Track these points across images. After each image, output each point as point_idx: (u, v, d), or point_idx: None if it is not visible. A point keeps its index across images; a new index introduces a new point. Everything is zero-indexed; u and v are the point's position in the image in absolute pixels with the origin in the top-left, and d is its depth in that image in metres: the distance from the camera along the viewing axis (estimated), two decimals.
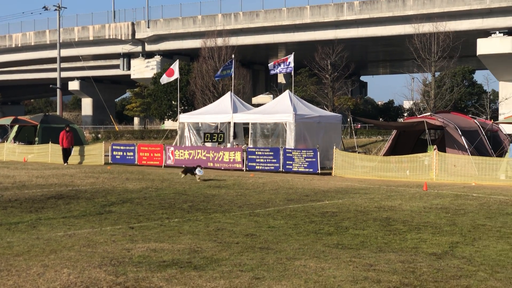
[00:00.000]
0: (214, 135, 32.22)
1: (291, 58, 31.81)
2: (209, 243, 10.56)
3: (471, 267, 8.86)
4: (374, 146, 43.73)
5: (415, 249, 10.20)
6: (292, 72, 32.56)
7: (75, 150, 34.04)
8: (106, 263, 8.91)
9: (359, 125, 65.27)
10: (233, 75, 36.08)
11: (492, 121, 31.99)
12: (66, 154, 33.43)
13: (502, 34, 59.86)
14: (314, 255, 9.58)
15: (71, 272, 8.36)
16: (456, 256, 9.60)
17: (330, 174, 26.96)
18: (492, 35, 60.39)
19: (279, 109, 30.98)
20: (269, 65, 33.35)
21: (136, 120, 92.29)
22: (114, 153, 33.83)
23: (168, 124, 71.27)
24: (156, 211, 14.73)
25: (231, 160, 29.58)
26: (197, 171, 23.19)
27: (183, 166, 26.08)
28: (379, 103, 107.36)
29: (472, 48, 60.73)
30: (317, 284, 7.84)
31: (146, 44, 77.65)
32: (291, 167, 27.80)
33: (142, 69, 78.46)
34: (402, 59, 77.85)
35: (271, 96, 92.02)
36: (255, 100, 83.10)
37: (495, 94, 73.86)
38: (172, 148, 32.16)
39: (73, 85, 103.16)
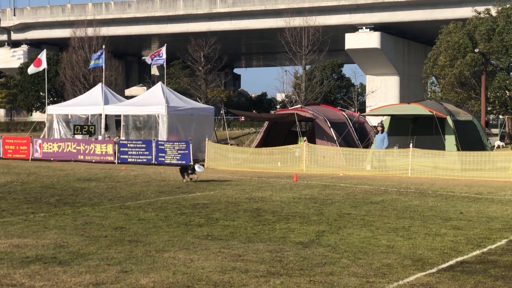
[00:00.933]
0: (84, 127, 31.46)
1: (163, 50, 31.54)
2: (76, 237, 10.30)
3: (336, 254, 9.14)
4: (246, 138, 44.21)
5: (283, 238, 10.40)
6: (165, 64, 32.31)
7: None
8: None
9: (244, 118, 65.26)
10: (104, 66, 35.34)
11: (359, 113, 33.12)
12: None
13: (368, 30, 62.14)
14: (184, 247, 9.57)
15: None
16: (321, 245, 9.87)
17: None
18: (359, 30, 62.57)
19: (151, 101, 30.68)
20: (144, 58, 32.89)
21: (1, 111, 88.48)
22: None
23: (36, 116, 68.79)
24: (20, 205, 14.21)
25: (103, 153, 29.01)
26: (196, 167, 19.87)
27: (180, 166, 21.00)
28: (253, 95, 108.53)
29: (341, 42, 62.65)
30: (185, 275, 7.83)
31: (12, 32, 74.64)
32: (163, 159, 27.60)
33: (8, 59, 75.31)
34: (275, 52, 79.11)
35: (145, 88, 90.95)
36: (128, 92, 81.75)
37: (363, 87, 76.59)
38: (40, 141, 31.12)
39: None
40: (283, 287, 7.40)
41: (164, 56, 31.33)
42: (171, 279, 7.65)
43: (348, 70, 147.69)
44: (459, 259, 8.92)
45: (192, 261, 8.62)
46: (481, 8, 45.83)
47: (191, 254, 9.03)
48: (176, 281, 7.57)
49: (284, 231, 11.07)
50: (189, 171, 19.78)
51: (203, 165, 20.29)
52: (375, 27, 62.02)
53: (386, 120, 27.29)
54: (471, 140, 26.04)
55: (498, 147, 35.30)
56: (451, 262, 8.70)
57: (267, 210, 13.78)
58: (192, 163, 20.15)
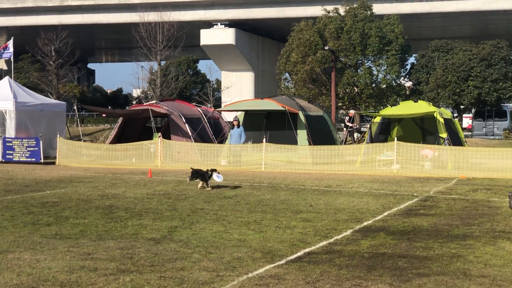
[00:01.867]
0: None
1: (10, 43, 30.25)
2: None
3: (187, 249, 9.14)
4: (101, 134, 43.28)
5: (135, 235, 10.27)
6: (12, 57, 30.99)
7: None
8: None
9: (104, 114, 63.40)
10: None
11: (213, 109, 33.35)
12: None
13: (223, 26, 62.67)
14: (30, 247, 9.22)
15: None
16: (174, 240, 9.84)
17: (54, 163, 26.16)
18: (215, 26, 62.98)
19: None
20: None
21: None
22: None
23: None
24: None
25: None
26: (215, 176, 16.88)
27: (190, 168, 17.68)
28: (108, 91, 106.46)
29: (196, 38, 62.78)
30: (30, 276, 7.54)
31: None
32: (11, 157, 26.50)
33: None
34: (130, 47, 78.02)
35: None
36: None
37: (219, 83, 77.22)
38: None
39: None
40: (132, 284, 7.30)
41: (12, 50, 30.07)
42: (15, 281, 7.34)
43: (204, 66, 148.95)
44: (307, 250, 9.18)
45: (39, 261, 8.32)
46: (330, 7, 47.47)
47: (37, 254, 8.71)
48: (21, 283, 7.27)
49: (136, 228, 10.93)
50: (207, 179, 16.88)
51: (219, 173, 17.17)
52: (230, 23, 62.65)
53: (240, 116, 27.65)
54: (322, 134, 26.92)
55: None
56: (299, 253, 8.94)
57: (119, 207, 13.56)
58: (210, 170, 17.04)
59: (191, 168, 17.60)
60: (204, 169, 17.31)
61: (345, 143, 31.74)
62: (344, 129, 33.63)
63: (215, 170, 17.07)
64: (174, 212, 12.83)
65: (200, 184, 16.96)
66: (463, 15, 59.34)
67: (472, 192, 16.26)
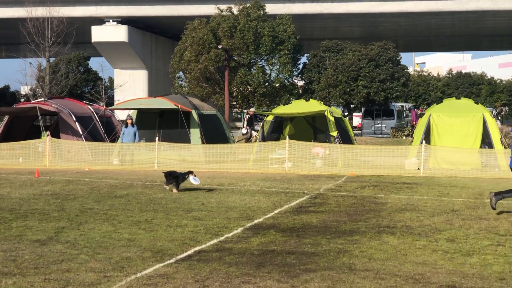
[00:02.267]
0: None
1: None
2: None
3: (74, 250, 8.92)
4: None
5: (20, 237, 9.93)
6: None
7: None
8: None
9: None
10: None
11: (105, 107, 32.76)
12: None
13: (115, 23, 61.62)
14: None
15: None
16: (60, 241, 9.57)
17: None
18: (106, 23, 61.81)
19: None
20: None
21: None
22: None
23: None
24: None
25: None
26: (191, 179, 15.96)
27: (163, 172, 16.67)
28: None
29: (88, 35, 61.40)
30: None
31: None
32: None
33: None
34: (17, 43, 75.23)
35: None
36: None
37: (112, 81, 75.96)
38: None
39: None
40: (15, 287, 7.04)
41: None
42: None
43: (96, 63, 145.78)
44: (197, 248, 9.15)
45: None
46: (223, 6, 47.62)
47: None
48: None
49: (21, 229, 10.57)
50: (179, 182, 15.99)
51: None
52: (122, 20, 61.64)
53: (133, 114, 27.30)
54: (215, 133, 26.97)
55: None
56: (189, 252, 8.90)
57: (4, 208, 13.07)
58: (186, 172, 16.14)
59: (163, 172, 16.78)
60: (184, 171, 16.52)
61: (248, 141, 32.14)
62: (247, 127, 34.10)
63: (191, 172, 16.15)
64: (62, 212, 12.49)
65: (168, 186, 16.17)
66: (352, 16, 60.86)
67: (360, 189, 16.72)
